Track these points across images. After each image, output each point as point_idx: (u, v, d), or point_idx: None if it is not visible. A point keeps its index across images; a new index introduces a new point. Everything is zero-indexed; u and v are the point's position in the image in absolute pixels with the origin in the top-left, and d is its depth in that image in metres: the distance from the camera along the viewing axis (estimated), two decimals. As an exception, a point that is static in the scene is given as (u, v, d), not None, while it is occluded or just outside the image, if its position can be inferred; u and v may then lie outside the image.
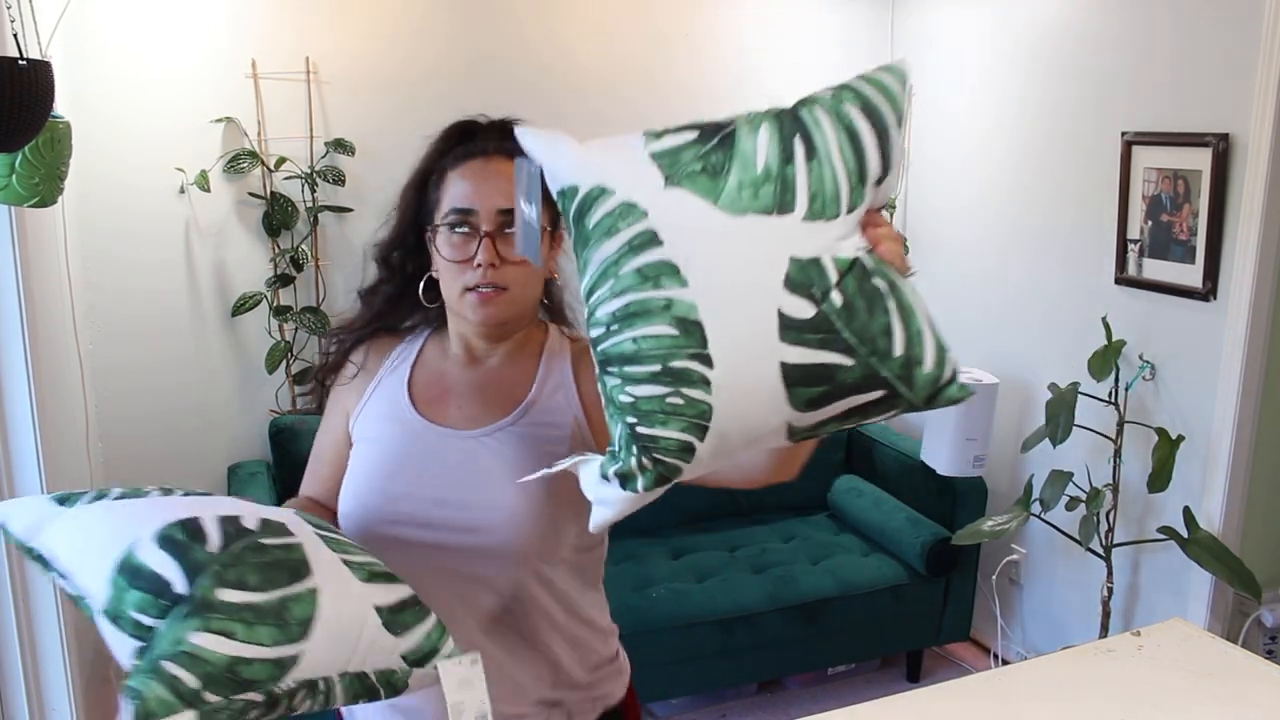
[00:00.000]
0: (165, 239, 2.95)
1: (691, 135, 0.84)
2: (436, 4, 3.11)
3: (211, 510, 0.91)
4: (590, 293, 0.85)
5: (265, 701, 0.84)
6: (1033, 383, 3.10)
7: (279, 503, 2.80)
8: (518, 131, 0.91)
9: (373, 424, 1.24)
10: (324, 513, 1.25)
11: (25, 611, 1.96)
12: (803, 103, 0.85)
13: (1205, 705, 1.05)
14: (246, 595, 0.84)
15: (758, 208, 0.81)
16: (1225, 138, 2.42)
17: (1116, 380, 2.69)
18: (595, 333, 0.85)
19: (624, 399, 0.83)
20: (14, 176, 1.69)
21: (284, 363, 3.05)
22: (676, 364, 0.80)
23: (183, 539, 0.87)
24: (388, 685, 0.92)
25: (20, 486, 1.92)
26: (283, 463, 2.92)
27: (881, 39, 3.61)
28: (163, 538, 0.87)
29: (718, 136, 0.83)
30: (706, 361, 0.80)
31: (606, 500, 0.88)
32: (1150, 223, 2.66)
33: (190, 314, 3.01)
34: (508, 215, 1.13)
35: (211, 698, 0.81)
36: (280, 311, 3.01)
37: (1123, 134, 2.71)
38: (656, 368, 0.81)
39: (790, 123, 0.83)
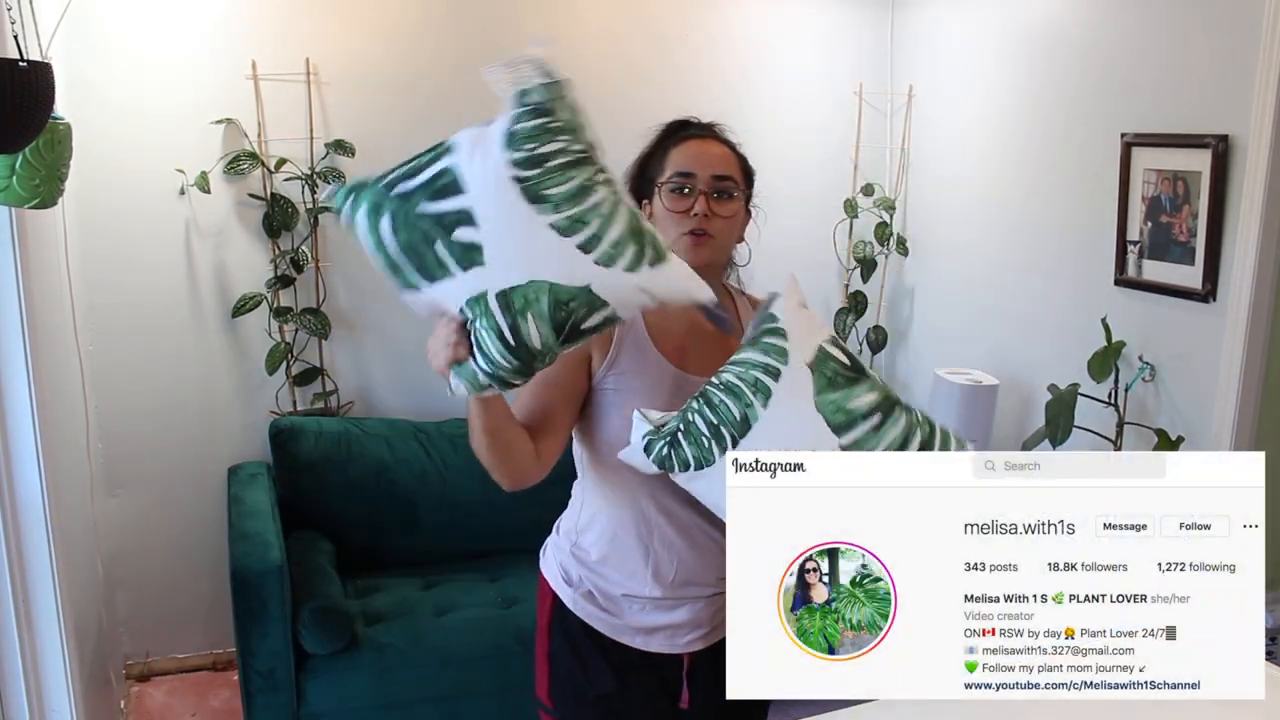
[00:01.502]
0: (165, 240, 2.95)
1: (846, 360, 1.34)
2: (437, 5, 3.11)
3: None
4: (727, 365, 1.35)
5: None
6: (1032, 384, 3.10)
7: (279, 506, 2.81)
8: (789, 277, 1.39)
9: (632, 376, 1.49)
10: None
11: (25, 611, 1.96)
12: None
13: (1205, 706, 1.05)
14: None
15: (830, 420, 1.28)
16: (1225, 139, 2.42)
17: (1116, 381, 2.69)
18: (712, 383, 1.33)
19: (689, 416, 1.32)
20: (14, 178, 1.69)
21: (284, 364, 3.05)
22: (724, 430, 1.29)
23: None
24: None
25: (20, 486, 1.92)
26: (283, 464, 2.92)
27: (881, 39, 3.61)
28: None
29: (857, 373, 1.33)
30: (735, 444, 1.28)
31: (633, 450, 1.36)
32: (1150, 224, 2.66)
33: (190, 315, 3.01)
34: (719, 180, 1.49)
35: None
36: (280, 313, 3.01)
37: (1122, 135, 2.71)
38: (714, 419, 1.30)
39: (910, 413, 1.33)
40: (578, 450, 1.58)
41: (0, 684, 1.97)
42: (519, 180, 1.17)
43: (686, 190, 1.49)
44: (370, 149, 3.03)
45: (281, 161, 2.97)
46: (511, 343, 1.21)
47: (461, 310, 1.23)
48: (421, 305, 1.26)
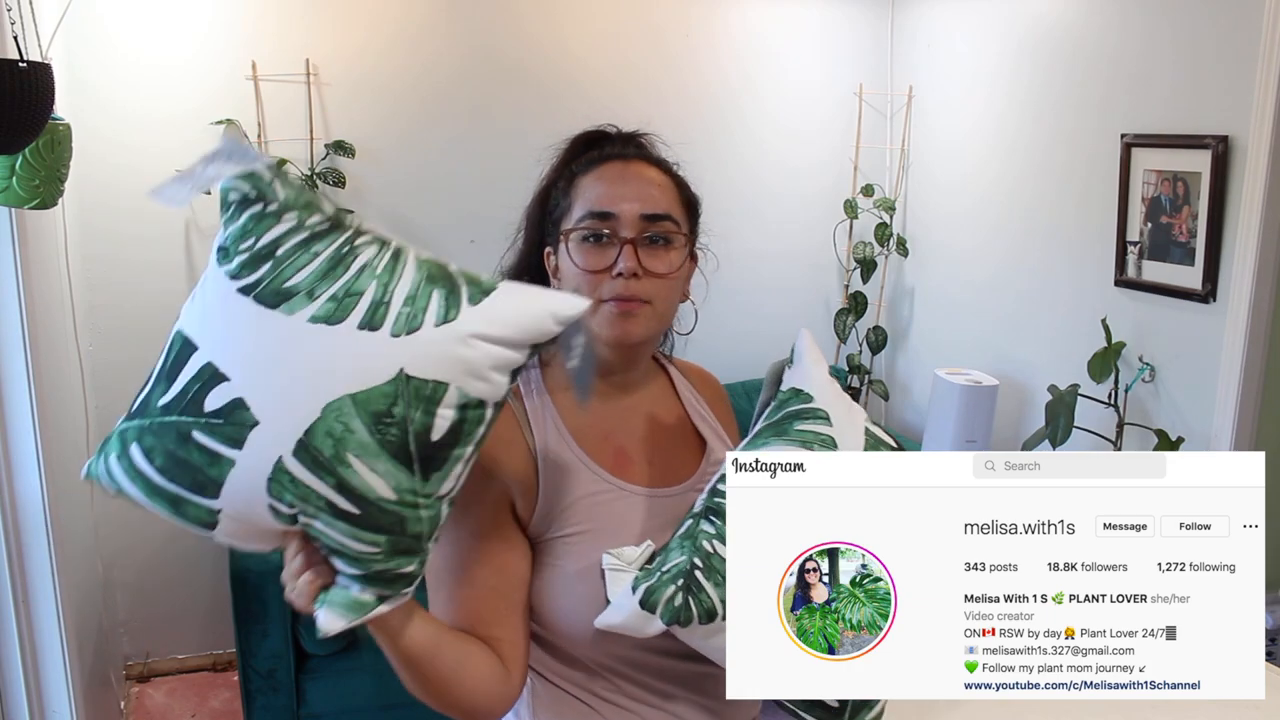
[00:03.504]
0: (166, 240, 2.95)
1: (891, 440, 1.14)
2: (437, 5, 3.11)
3: None
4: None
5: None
6: (1032, 384, 3.10)
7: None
8: (802, 334, 1.14)
9: (583, 512, 1.07)
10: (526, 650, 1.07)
11: (25, 611, 1.96)
12: None
13: (1204, 706, 1.05)
14: None
15: None
16: (1225, 139, 2.43)
17: (1116, 382, 2.69)
18: (719, 491, 1.04)
19: (706, 546, 1.01)
20: (14, 178, 1.70)
21: (284, 364, 3.05)
22: None
23: None
24: None
25: (20, 486, 1.92)
26: (283, 464, 2.92)
27: (881, 39, 3.61)
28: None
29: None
30: None
31: (622, 609, 1.00)
32: (1150, 225, 2.66)
33: (190, 315, 3.01)
34: (652, 221, 1.07)
35: None
36: (280, 312, 3.01)
37: (1122, 136, 2.71)
38: None
39: None
40: None
41: (0, 684, 1.97)
42: (248, 290, 0.86)
43: (605, 238, 1.06)
44: (370, 150, 3.03)
45: (282, 162, 2.96)
46: (355, 510, 0.84)
47: (272, 508, 0.85)
48: (248, 536, 0.89)
